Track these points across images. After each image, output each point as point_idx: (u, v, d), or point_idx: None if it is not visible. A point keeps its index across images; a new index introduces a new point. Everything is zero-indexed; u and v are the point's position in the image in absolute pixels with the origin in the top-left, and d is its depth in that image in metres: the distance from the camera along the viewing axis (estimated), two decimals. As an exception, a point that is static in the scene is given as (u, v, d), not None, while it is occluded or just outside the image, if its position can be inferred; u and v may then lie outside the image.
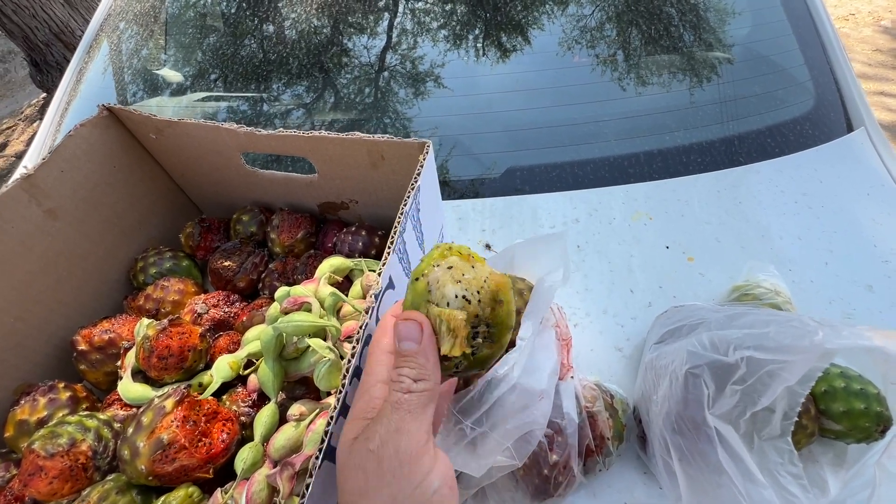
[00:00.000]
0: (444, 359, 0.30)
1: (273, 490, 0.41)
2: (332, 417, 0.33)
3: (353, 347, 0.36)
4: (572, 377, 0.49)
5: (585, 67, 0.90)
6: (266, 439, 0.45)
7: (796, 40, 0.90)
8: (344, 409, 0.35)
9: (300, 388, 0.52)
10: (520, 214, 0.76)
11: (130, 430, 0.43)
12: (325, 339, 0.48)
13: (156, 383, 0.52)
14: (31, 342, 0.55)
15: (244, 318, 0.58)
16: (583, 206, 0.76)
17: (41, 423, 0.48)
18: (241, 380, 0.52)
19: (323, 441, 0.33)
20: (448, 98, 0.89)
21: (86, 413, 0.49)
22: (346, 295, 0.56)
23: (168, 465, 0.41)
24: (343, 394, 0.34)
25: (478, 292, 0.30)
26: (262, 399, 0.50)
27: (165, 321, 0.52)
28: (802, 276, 0.66)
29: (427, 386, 0.28)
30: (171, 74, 1.02)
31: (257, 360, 0.51)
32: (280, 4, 1.04)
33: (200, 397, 0.46)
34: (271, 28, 1.04)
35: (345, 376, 0.35)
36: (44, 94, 2.99)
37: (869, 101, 0.84)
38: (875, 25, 3.03)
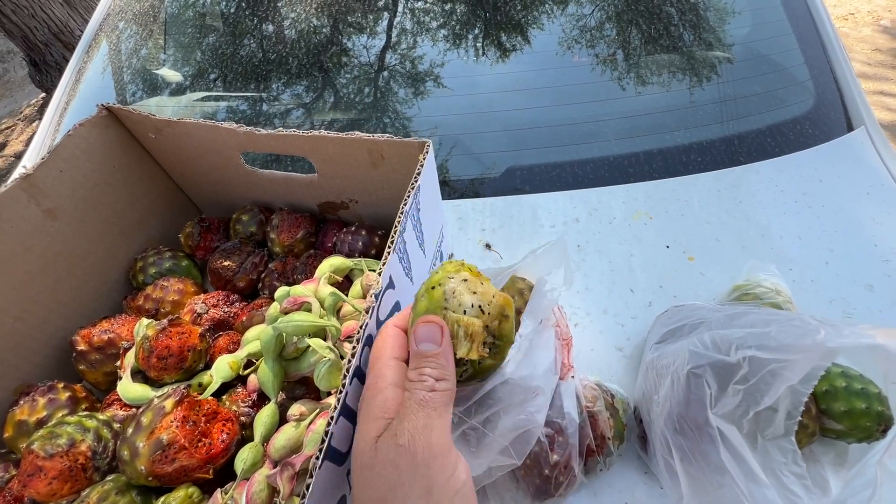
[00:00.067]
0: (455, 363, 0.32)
1: (273, 490, 0.41)
2: (332, 417, 0.33)
3: (354, 347, 0.36)
4: (573, 377, 0.49)
5: (585, 67, 0.90)
6: (266, 439, 0.45)
7: (796, 39, 0.90)
8: (345, 409, 0.35)
9: (300, 388, 0.51)
10: (520, 214, 0.76)
11: (130, 430, 0.43)
12: (325, 339, 0.48)
13: (155, 383, 0.52)
14: (30, 342, 0.55)
15: (244, 318, 0.58)
16: (583, 206, 0.76)
17: (40, 423, 0.48)
18: (240, 380, 0.52)
19: (323, 441, 0.32)
20: (448, 97, 0.89)
21: (85, 413, 0.48)
22: (347, 295, 0.56)
23: (168, 466, 0.41)
24: (343, 394, 0.34)
25: (489, 304, 0.33)
26: (261, 399, 0.50)
27: (165, 321, 0.52)
28: (803, 275, 0.66)
29: (448, 385, 0.30)
30: (171, 74, 1.02)
31: (257, 360, 0.51)
32: (279, 4, 1.04)
33: (200, 397, 0.46)
34: (271, 28, 1.04)
35: (345, 376, 0.34)
36: (43, 94, 2.99)
37: (868, 100, 0.84)
38: (874, 25, 3.03)
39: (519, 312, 0.44)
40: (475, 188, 0.80)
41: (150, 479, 0.41)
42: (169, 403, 0.43)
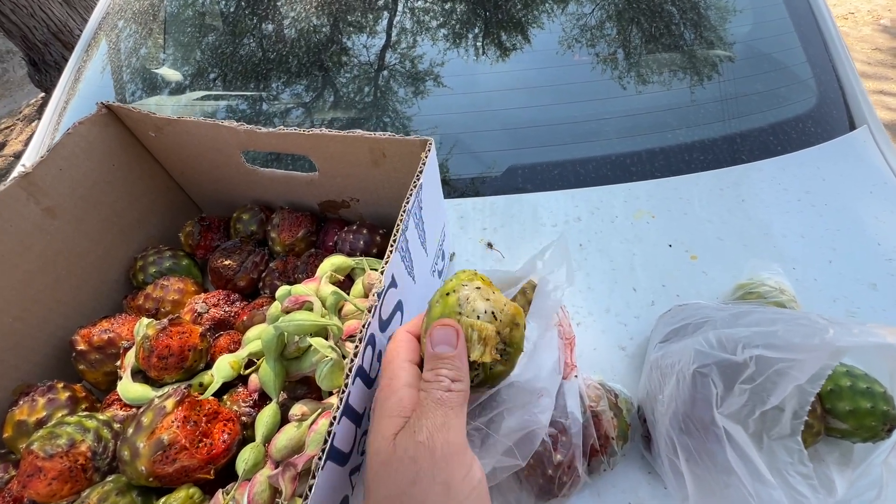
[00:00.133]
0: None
1: (275, 491, 0.41)
2: (335, 417, 0.33)
3: (356, 347, 0.35)
4: (576, 376, 0.49)
5: (586, 65, 0.89)
6: (268, 440, 0.44)
7: (798, 38, 0.90)
8: (347, 409, 0.35)
9: (302, 387, 0.51)
10: (521, 213, 0.75)
11: (130, 430, 0.42)
12: (326, 339, 0.48)
13: (156, 383, 0.51)
14: (29, 342, 0.55)
15: (245, 318, 0.58)
16: (584, 205, 0.75)
17: (40, 423, 0.48)
18: (241, 380, 0.52)
19: (326, 441, 0.32)
20: (448, 96, 0.89)
21: (85, 413, 0.48)
22: (348, 294, 0.56)
23: (168, 466, 0.41)
24: (346, 394, 0.34)
25: (501, 312, 0.34)
26: (263, 399, 0.50)
27: (165, 321, 0.51)
28: (806, 274, 0.65)
29: (463, 386, 0.31)
30: (170, 73, 1.01)
31: (258, 360, 0.51)
32: (279, 3, 1.04)
33: (201, 397, 0.46)
34: (271, 27, 1.03)
35: (347, 376, 0.34)
36: (42, 94, 2.98)
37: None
38: (874, 24, 3.03)
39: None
40: (476, 187, 0.80)
41: (150, 479, 0.41)
42: (170, 403, 0.43)
